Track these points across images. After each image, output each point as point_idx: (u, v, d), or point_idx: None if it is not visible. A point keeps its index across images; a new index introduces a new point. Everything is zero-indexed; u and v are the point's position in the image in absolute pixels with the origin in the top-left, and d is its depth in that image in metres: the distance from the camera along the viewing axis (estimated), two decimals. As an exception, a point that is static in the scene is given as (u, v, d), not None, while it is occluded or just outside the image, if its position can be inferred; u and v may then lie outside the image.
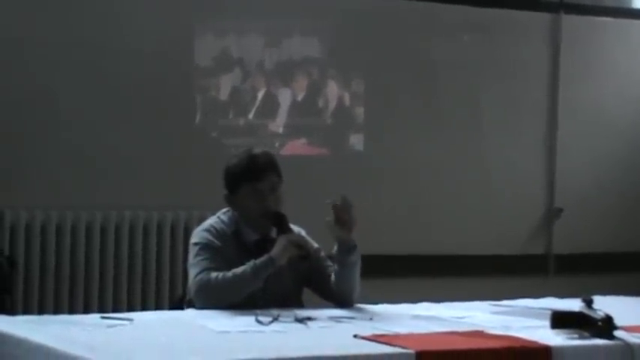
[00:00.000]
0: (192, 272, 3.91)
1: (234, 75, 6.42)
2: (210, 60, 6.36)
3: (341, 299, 4.00)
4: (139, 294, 6.01)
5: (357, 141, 6.70)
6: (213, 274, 3.84)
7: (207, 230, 3.99)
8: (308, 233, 4.15)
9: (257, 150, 4.12)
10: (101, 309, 5.76)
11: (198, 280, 3.85)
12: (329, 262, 4.08)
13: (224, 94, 6.41)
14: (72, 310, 5.78)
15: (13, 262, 5.78)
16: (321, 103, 6.61)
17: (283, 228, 3.97)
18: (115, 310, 5.55)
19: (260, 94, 6.48)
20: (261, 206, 3.97)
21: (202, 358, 2.86)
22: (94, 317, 3.64)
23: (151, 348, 3.00)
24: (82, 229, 5.93)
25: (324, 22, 6.59)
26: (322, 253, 4.10)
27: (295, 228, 4.06)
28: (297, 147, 6.57)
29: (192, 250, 3.96)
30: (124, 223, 6.01)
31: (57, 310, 5.76)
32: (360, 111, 6.69)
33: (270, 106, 6.49)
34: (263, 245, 3.95)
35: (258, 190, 3.98)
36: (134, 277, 6.01)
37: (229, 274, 3.83)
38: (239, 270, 3.84)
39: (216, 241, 3.95)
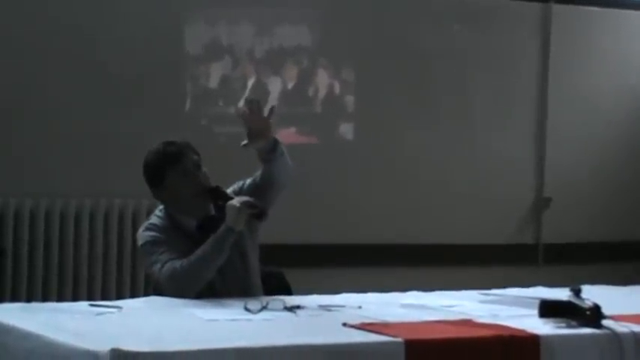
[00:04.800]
0: (155, 268, 3.89)
1: (225, 63, 6.41)
2: (200, 48, 6.34)
3: (280, 186, 4.04)
4: (127, 282, 6.00)
5: (347, 130, 6.69)
6: (178, 262, 3.84)
7: (149, 229, 3.99)
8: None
9: (169, 139, 4.12)
10: (90, 297, 5.76)
11: (165, 271, 3.84)
12: (249, 181, 4.07)
13: (214, 82, 6.40)
14: (60, 298, 5.77)
15: (2, 250, 5.77)
16: (311, 92, 6.61)
17: (224, 198, 3.94)
18: (103, 298, 5.55)
19: (250, 83, 6.47)
20: (193, 185, 3.96)
21: (191, 346, 2.86)
22: (82, 305, 3.63)
23: (139, 336, 2.99)
24: (71, 217, 5.92)
25: (315, 11, 6.58)
26: (247, 182, 4.09)
27: (234, 187, 4.05)
28: (286, 136, 6.54)
29: (145, 252, 3.96)
30: (114, 210, 6.00)
31: (45, 298, 5.75)
32: (350, 100, 6.68)
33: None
34: (207, 227, 3.94)
35: (184, 170, 3.98)
36: (123, 265, 6.01)
37: (192, 257, 3.84)
38: (200, 250, 3.85)
39: (160, 235, 3.95)
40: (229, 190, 4.03)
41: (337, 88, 6.65)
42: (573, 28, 7.12)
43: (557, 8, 7.05)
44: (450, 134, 6.83)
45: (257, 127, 3.95)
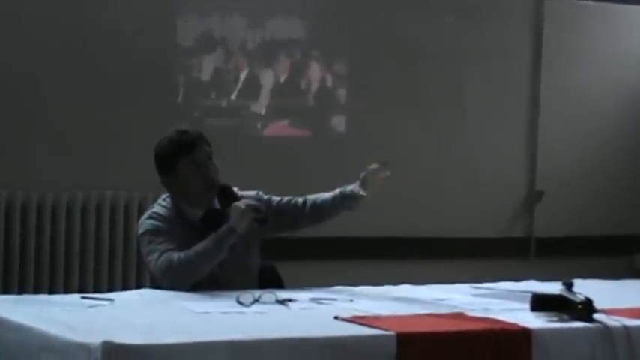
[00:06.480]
0: (151, 258, 3.87)
1: (217, 55, 6.40)
2: (192, 40, 6.33)
3: (317, 223, 4.20)
4: (119, 274, 6.00)
5: (339, 122, 6.69)
6: (175, 254, 3.83)
7: (152, 217, 3.98)
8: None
9: (182, 127, 4.13)
10: (82, 289, 5.75)
11: (161, 262, 3.83)
12: (277, 199, 4.15)
13: (206, 75, 6.39)
14: (52, 291, 5.77)
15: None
16: (303, 85, 6.60)
17: (232, 198, 3.95)
18: (95, 291, 5.54)
19: (242, 75, 6.46)
20: (203, 177, 3.97)
21: (183, 338, 2.86)
22: (74, 297, 3.63)
23: (132, 328, 2.99)
24: (63, 210, 5.91)
25: (307, 3, 6.57)
26: (265, 199, 4.12)
27: (251, 193, 4.06)
28: (279, 128, 6.55)
29: (144, 240, 3.93)
30: (106, 203, 6.00)
31: (37, 290, 5.75)
32: (342, 92, 6.68)
33: (252, 87, 6.48)
34: (210, 219, 3.94)
35: (196, 161, 3.98)
36: (115, 258, 6.00)
37: (191, 251, 3.83)
38: (200, 245, 3.84)
39: (163, 225, 3.94)
40: (251, 193, 4.05)
41: (329, 81, 6.65)
42: (565, 22, 7.11)
43: (549, 2, 7.05)
44: (442, 128, 6.82)
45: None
